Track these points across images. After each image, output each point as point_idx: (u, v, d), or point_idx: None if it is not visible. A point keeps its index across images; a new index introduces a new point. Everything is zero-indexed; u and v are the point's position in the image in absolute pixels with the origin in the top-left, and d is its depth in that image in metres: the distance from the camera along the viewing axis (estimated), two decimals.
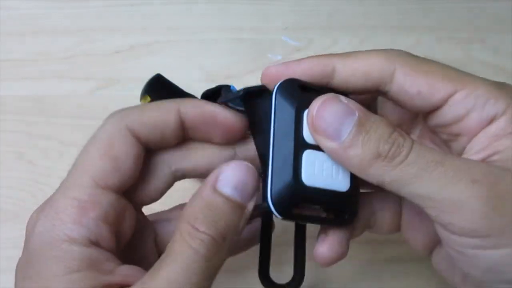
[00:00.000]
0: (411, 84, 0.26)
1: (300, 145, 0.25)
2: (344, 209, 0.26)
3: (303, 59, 0.28)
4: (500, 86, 0.26)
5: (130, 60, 0.49)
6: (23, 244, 0.37)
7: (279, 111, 0.25)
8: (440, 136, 0.28)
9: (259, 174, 0.26)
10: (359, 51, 0.28)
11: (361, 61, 0.27)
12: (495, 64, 0.49)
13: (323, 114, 0.24)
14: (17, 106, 0.36)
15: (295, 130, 0.25)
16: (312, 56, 0.28)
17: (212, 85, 0.43)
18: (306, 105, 0.25)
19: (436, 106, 0.26)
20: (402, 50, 0.28)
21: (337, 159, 0.25)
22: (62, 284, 0.24)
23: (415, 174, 0.23)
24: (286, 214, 0.25)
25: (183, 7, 0.55)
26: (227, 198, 0.25)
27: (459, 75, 0.27)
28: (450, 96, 0.26)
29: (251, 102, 0.28)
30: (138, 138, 0.27)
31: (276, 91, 0.26)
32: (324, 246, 0.28)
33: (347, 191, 0.25)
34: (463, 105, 0.26)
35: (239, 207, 0.25)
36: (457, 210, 0.23)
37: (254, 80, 0.46)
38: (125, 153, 0.26)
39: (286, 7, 0.56)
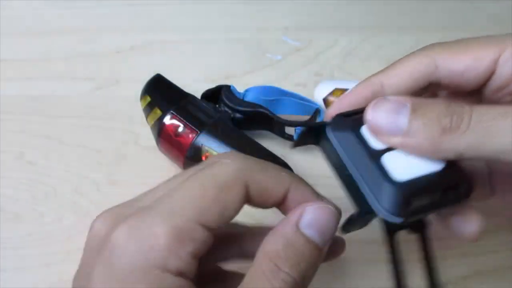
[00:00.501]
0: (454, 64, 0.27)
1: (376, 156, 0.25)
2: (451, 183, 0.25)
3: (352, 89, 0.29)
4: None
5: (130, 60, 0.49)
6: (23, 244, 0.37)
7: (342, 142, 0.27)
8: (505, 101, 0.28)
9: (339, 217, 0.26)
10: (399, 61, 0.28)
11: (403, 68, 0.28)
12: None
13: (376, 116, 0.25)
14: (17, 106, 0.36)
15: (364, 147, 0.26)
16: (359, 83, 0.29)
17: (212, 85, 0.43)
18: (360, 123, 0.26)
19: (487, 73, 0.27)
20: (436, 43, 0.28)
21: (409, 150, 0.25)
22: None
23: (485, 132, 0.23)
24: (404, 214, 0.25)
25: (183, 7, 0.55)
26: (308, 240, 0.25)
27: (497, 39, 0.27)
28: (496, 59, 0.26)
29: (320, 137, 0.29)
30: (247, 193, 0.26)
31: (329, 131, 0.28)
32: (469, 223, 0.27)
33: (444, 168, 0.25)
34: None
35: (319, 250, 0.25)
36: None
37: (254, 80, 0.46)
38: (235, 204, 0.26)
39: (286, 7, 0.56)
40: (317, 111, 0.41)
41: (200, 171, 0.26)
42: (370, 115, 0.25)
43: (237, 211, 0.26)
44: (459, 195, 0.25)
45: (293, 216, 0.26)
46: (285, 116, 0.42)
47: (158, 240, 0.24)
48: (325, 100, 0.43)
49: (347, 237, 0.34)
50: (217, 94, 0.42)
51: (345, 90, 0.42)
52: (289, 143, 0.42)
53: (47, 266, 0.37)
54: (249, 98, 0.42)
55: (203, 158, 0.38)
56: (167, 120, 0.39)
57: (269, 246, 0.25)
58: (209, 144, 0.38)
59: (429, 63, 0.27)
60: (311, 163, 0.42)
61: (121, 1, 0.54)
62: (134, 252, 0.24)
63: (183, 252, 0.24)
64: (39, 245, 0.38)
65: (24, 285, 0.36)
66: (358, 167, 0.26)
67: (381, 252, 0.37)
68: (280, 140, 0.42)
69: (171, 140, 0.39)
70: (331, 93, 0.43)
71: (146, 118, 0.42)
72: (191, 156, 0.38)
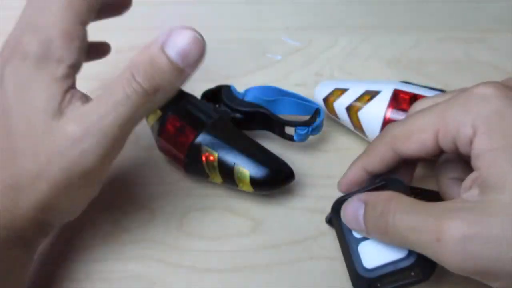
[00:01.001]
0: (407, 149, 0.32)
1: (355, 242, 0.33)
2: (412, 268, 0.31)
3: (346, 173, 0.36)
4: (470, 103, 0.30)
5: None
6: None
7: (337, 224, 0.34)
8: None
9: (204, 45, 0.30)
10: (370, 148, 0.34)
11: (374, 157, 0.34)
12: (495, 64, 0.49)
13: (346, 219, 0.33)
14: None
15: (348, 233, 0.33)
16: (350, 168, 0.35)
17: (212, 85, 0.43)
18: None
19: (434, 151, 0.31)
20: (391, 124, 0.33)
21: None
22: (44, 89, 0.30)
23: (401, 236, 0.29)
24: None
25: (183, 7, 0.55)
26: (170, 60, 0.29)
27: (435, 116, 0.31)
28: (436, 140, 0.31)
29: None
30: None
31: (330, 213, 0.35)
32: None
33: (407, 254, 0.31)
34: (449, 140, 0.30)
35: (179, 70, 0.30)
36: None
37: (254, 80, 0.46)
38: None
39: (286, 7, 0.56)
40: (317, 111, 0.41)
41: None
42: (343, 218, 0.33)
43: (97, 3, 0.32)
44: (419, 277, 0.31)
45: (161, 36, 0.30)
46: (285, 116, 0.42)
47: (54, 40, 0.30)
48: (325, 100, 0.43)
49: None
50: (217, 94, 0.42)
51: (345, 90, 0.42)
52: (289, 142, 0.42)
53: None
54: (249, 98, 0.42)
55: (203, 158, 0.38)
56: (167, 120, 0.39)
57: (134, 59, 0.30)
58: (209, 144, 0.38)
59: (391, 152, 0.33)
60: (310, 163, 0.42)
61: None
62: (37, 48, 0.30)
63: (74, 47, 0.31)
64: None
65: None
66: (344, 248, 0.33)
67: None
68: (280, 140, 0.42)
69: (171, 140, 0.39)
70: (331, 93, 0.43)
71: (146, 118, 0.42)
72: (191, 156, 0.38)
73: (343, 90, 0.42)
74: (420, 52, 0.51)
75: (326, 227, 0.38)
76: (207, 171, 0.38)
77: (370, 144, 0.34)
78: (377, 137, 0.34)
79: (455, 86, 0.46)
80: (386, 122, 0.39)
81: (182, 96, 0.41)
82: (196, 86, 0.44)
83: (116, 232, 0.38)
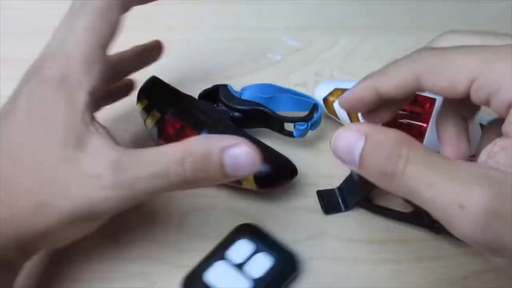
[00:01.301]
0: (433, 85, 0.28)
1: (220, 257, 0.34)
2: None
3: (352, 89, 0.32)
4: None
5: None
6: None
7: None
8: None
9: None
10: (390, 67, 0.30)
11: (393, 77, 0.30)
12: None
13: (337, 149, 0.28)
14: None
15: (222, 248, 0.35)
16: (358, 83, 0.32)
17: (212, 85, 0.43)
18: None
19: (463, 95, 0.28)
20: (422, 52, 0.30)
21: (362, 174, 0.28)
22: (62, 115, 0.30)
23: (412, 189, 0.26)
24: None
25: (183, 7, 0.55)
26: (222, 165, 0.29)
27: (476, 61, 0.27)
28: (469, 86, 0.28)
29: None
30: (123, 7, 0.34)
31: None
32: None
33: None
34: (483, 94, 0.27)
35: (224, 176, 0.30)
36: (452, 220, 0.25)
37: (254, 80, 0.46)
38: (118, 21, 0.33)
39: (286, 7, 0.56)
40: (315, 106, 0.41)
41: (80, 10, 0.33)
42: (333, 146, 0.28)
43: (118, 25, 0.33)
44: None
45: (228, 140, 0.29)
46: (282, 112, 0.42)
47: (74, 64, 0.31)
48: (325, 100, 0.43)
49: (348, 237, 0.35)
50: (214, 94, 0.42)
51: (345, 90, 0.42)
52: (288, 142, 0.42)
53: None
54: (246, 96, 0.42)
55: None
56: (166, 122, 0.39)
57: (191, 144, 0.30)
58: None
59: (413, 80, 0.29)
60: (310, 163, 0.42)
61: None
62: (57, 71, 0.31)
63: (94, 72, 0.31)
64: None
65: None
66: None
67: (381, 252, 0.37)
68: (279, 139, 0.42)
69: (171, 142, 0.39)
70: (331, 93, 0.43)
71: (144, 121, 0.42)
72: None
73: (343, 90, 0.42)
74: None
75: (326, 227, 0.38)
76: None
77: (389, 64, 0.30)
78: (401, 59, 0.30)
79: None
80: (386, 123, 0.39)
81: (180, 97, 0.41)
82: (196, 86, 0.44)
83: (116, 232, 0.38)
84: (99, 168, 0.29)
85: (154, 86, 0.42)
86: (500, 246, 0.24)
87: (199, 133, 0.38)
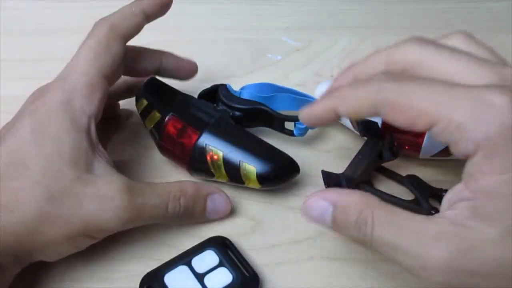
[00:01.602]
0: (393, 120, 0.28)
1: (185, 262, 0.35)
2: None
3: (317, 102, 0.32)
4: (479, 110, 0.26)
5: None
6: None
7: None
8: None
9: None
10: (350, 90, 0.30)
11: (355, 101, 0.30)
12: None
13: (310, 214, 0.30)
14: (17, 106, 0.36)
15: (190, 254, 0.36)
16: (323, 97, 0.32)
17: (212, 85, 0.43)
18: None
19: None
20: (385, 81, 0.29)
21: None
22: (68, 138, 0.33)
23: (382, 251, 0.28)
24: None
25: (183, 7, 0.55)
26: (205, 207, 0.37)
27: (437, 106, 0.27)
28: (428, 128, 0.27)
29: None
30: (124, 39, 0.37)
31: None
32: None
33: None
34: (442, 139, 0.27)
35: (202, 217, 0.38)
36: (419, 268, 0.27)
37: (254, 80, 0.46)
38: (119, 52, 0.36)
39: (286, 7, 0.56)
40: None
41: (86, 42, 0.36)
42: (305, 215, 0.30)
43: (121, 56, 0.37)
44: None
45: (212, 188, 0.38)
46: (282, 111, 0.42)
47: (78, 90, 0.34)
48: None
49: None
50: (213, 94, 0.42)
51: None
52: (288, 142, 0.42)
53: None
54: (245, 96, 0.42)
55: (208, 157, 0.38)
56: (167, 122, 0.39)
57: (188, 186, 0.36)
58: (213, 143, 0.38)
59: (372, 109, 0.29)
60: (311, 163, 0.42)
61: (121, 1, 0.54)
62: (62, 96, 0.34)
63: (95, 98, 0.34)
64: None
65: None
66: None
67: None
68: (280, 136, 0.42)
69: (173, 143, 0.39)
70: None
71: (144, 122, 0.41)
72: (195, 157, 0.38)
73: None
74: None
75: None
76: (212, 170, 0.38)
77: (350, 86, 0.31)
78: (362, 84, 0.30)
79: None
80: (386, 122, 0.39)
81: (180, 97, 0.41)
82: (196, 86, 0.44)
83: (116, 232, 0.38)
84: (111, 191, 0.32)
85: (153, 87, 0.42)
86: None
87: (200, 133, 0.38)
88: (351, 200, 0.29)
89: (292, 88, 0.44)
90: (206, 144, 0.38)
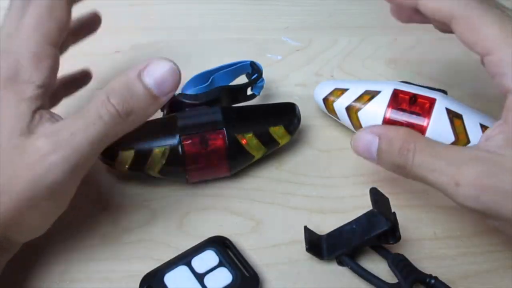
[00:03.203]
0: (460, 34, 0.33)
1: (185, 262, 0.35)
2: None
3: None
4: None
5: (130, 60, 0.49)
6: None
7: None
8: None
9: (179, 77, 0.32)
10: None
11: (434, 3, 0.34)
12: None
13: (357, 149, 0.36)
14: None
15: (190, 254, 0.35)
16: None
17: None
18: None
19: (480, 55, 0.33)
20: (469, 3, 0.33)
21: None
22: (11, 108, 0.31)
23: (420, 175, 0.33)
24: None
25: (183, 7, 0.55)
26: (145, 87, 0.31)
27: (499, 39, 0.31)
28: (483, 56, 0.32)
29: None
30: (67, 3, 0.34)
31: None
32: None
33: None
34: (491, 69, 0.32)
35: (153, 98, 0.32)
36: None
37: None
38: (63, 16, 0.33)
39: (286, 7, 0.56)
40: (251, 64, 0.43)
41: (25, 8, 0.33)
42: (353, 147, 0.36)
43: (66, 22, 0.34)
44: None
45: (140, 65, 0.32)
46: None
47: (22, 61, 0.32)
48: (325, 100, 0.43)
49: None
50: (175, 107, 0.41)
51: (345, 90, 0.42)
52: (287, 144, 0.42)
53: None
54: (191, 93, 0.42)
55: (244, 142, 0.39)
56: (183, 146, 0.38)
57: (111, 83, 0.31)
58: (239, 130, 0.39)
59: (449, 15, 0.33)
60: (311, 163, 0.42)
61: (121, 1, 0.54)
62: (6, 70, 0.31)
63: (43, 67, 0.32)
64: None
65: None
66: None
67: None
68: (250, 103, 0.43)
69: (203, 157, 0.38)
70: (331, 93, 0.43)
71: (145, 171, 0.39)
72: (233, 151, 0.39)
73: (343, 90, 0.42)
74: (420, 52, 0.51)
75: (326, 227, 0.38)
76: (251, 152, 0.39)
77: None
78: None
79: (455, 86, 0.46)
80: (386, 122, 0.39)
81: (170, 121, 0.39)
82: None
83: (116, 232, 0.38)
84: (37, 142, 0.30)
85: (119, 139, 0.35)
86: (490, 213, 0.30)
87: (223, 129, 0.38)
88: (396, 132, 0.34)
89: (221, 64, 0.44)
90: (235, 135, 0.39)
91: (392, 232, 0.35)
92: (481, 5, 0.32)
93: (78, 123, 0.30)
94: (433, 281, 0.34)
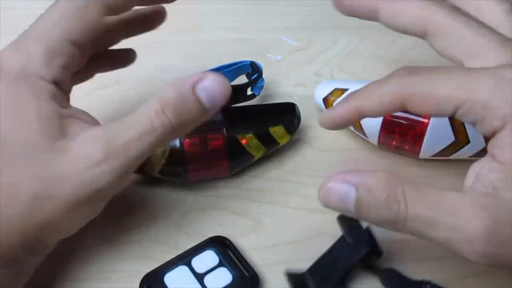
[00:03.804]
0: (420, 110, 0.29)
1: (185, 262, 0.35)
2: None
3: (339, 105, 0.31)
4: (502, 88, 0.27)
5: None
6: None
7: None
8: None
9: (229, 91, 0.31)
10: (374, 87, 0.30)
11: (378, 99, 0.30)
12: None
13: (328, 198, 0.29)
14: None
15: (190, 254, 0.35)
16: (345, 99, 0.31)
17: None
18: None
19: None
20: (407, 75, 0.30)
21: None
22: (32, 107, 0.30)
23: (418, 231, 0.28)
24: None
25: (183, 7, 0.55)
26: (199, 101, 0.31)
27: (460, 91, 0.28)
28: (455, 112, 0.28)
29: None
30: (106, 7, 0.33)
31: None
32: None
33: None
34: (468, 119, 0.28)
35: (204, 112, 0.31)
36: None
37: None
38: (95, 19, 0.33)
39: (286, 7, 0.56)
40: (251, 64, 0.43)
41: (55, 5, 0.33)
42: (322, 199, 0.29)
43: (98, 25, 0.33)
44: None
45: (194, 77, 0.31)
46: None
47: (34, 56, 0.31)
48: (325, 100, 0.43)
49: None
50: None
51: (345, 90, 0.42)
52: (288, 145, 0.42)
53: None
54: None
55: (243, 142, 0.39)
56: (183, 146, 0.38)
57: (164, 93, 0.30)
58: (239, 130, 0.39)
59: (397, 104, 0.29)
60: (311, 163, 0.42)
61: None
62: (15, 65, 0.31)
63: (55, 64, 0.31)
64: None
65: None
66: None
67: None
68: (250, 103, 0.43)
69: (204, 157, 0.38)
70: (331, 93, 0.43)
71: (147, 171, 0.39)
72: (233, 151, 0.39)
73: (343, 90, 0.42)
74: (420, 52, 0.51)
75: (326, 227, 0.38)
76: (251, 152, 0.39)
77: (371, 85, 0.31)
78: (384, 82, 0.30)
79: None
80: (386, 122, 0.39)
81: None
82: None
83: (116, 232, 0.38)
84: (87, 148, 0.30)
85: None
86: (498, 264, 0.27)
87: (223, 128, 0.38)
88: (376, 179, 0.28)
89: (221, 64, 0.44)
90: (235, 135, 0.39)
91: (373, 251, 0.34)
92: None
93: (132, 132, 0.30)
94: (428, 286, 0.33)
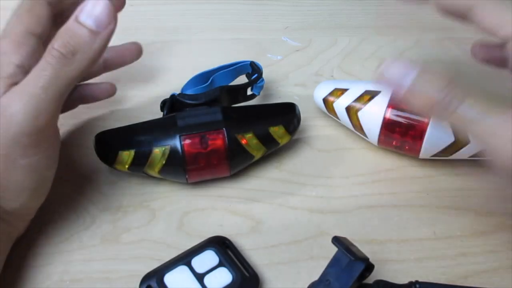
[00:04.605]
0: (481, 21, 0.33)
1: (185, 262, 0.35)
2: None
3: None
4: None
5: None
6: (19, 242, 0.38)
7: None
8: None
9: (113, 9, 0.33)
10: None
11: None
12: None
13: (387, 70, 0.31)
14: None
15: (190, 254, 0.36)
16: None
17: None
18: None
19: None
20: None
21: (405, 103, 0.31)
22: None
23: (466, 123, 0.29)
24: None
25: (183, 7, 0.55)
26: (82, 25, 0.32)
27: None
28: (508, 41, 0.31)
29: None
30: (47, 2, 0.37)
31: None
32: None
33: None
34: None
35: (93, 32, 0.33)
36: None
37: None
38: (43, 11, 0.36)
39: (286, 7, 0.56)
40: (252, 64, 0.44)
41: (17, 8, 0.36)
42: (381, 71, 0.31)
43: (46, 16, 0.36)
44: None
45: (76, 11, 0.33)
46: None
47: (3, 49, 0.35)
48: (324, 100, 0.43)
49: (348, 237, 0.35)
50: (175, 106, 0.41)
51: (345, 90, 0.42)
52: (287, 145, 0.42)
53: None
54: (190, 93, 0.42)
55: (243, 142, 0.39)
56: (183, 146, 0.38)
57: (55, 37, 0.33)
58: (239, 130, 0.39)
59: (473, 8, 0.33)
60: (310, 163, 0.42)
61: None
62: None
63: (22, 50, 0.35)
64: None
65: None
66: None
67: (382, 252, 0.37)
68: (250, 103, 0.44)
69: (203, 157, 0.38)
70: (331, 93, 0.43)
71: (145, 171, 0.39)
72: (233, 151, 0.39)
73: (343, 90, 0.42)
74: (420, 52, 0.51)
75: (326, 227, 0.38)
76: (251, 152, 0.39)
77: None
78: None
79: None
80: (386, 122, 0.39)
81: (169, 121, 0.39)
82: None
83: (116, 232, 0.38)
84: (4, 100, 0.32)
85: (120, 136, 0.39)
86: None
87: (223, 129, 0.38)
88: (437, 70, 0.30)
89: (221, 64, 0.44)
90: (235, 135, 0.38)
91: (366, 267, 0.33)
92: None
93: (30, 75, 0.32)
94: (418, 286, 0.33)
